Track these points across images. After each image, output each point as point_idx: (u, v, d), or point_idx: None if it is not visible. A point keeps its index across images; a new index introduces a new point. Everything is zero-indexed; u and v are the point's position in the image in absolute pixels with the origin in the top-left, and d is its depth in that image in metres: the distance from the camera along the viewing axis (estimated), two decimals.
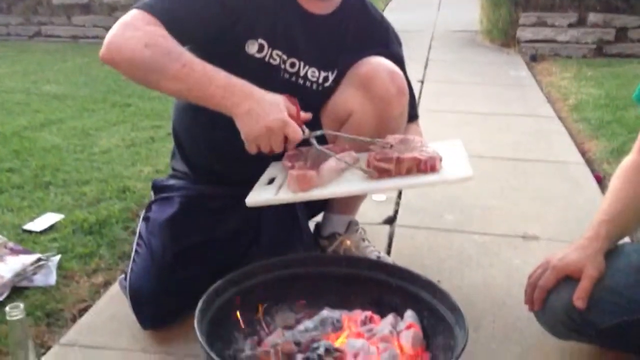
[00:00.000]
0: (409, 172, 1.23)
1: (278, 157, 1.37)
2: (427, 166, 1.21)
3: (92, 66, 4.53)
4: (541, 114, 3.38)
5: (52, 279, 1.73)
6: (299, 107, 1.28)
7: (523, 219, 2.12)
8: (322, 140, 1.39)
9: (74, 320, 1.59)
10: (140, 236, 1.54)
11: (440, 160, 1.25)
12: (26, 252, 1.83)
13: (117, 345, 1.47)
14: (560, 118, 3.30)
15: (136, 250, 1.52)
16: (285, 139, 1.25)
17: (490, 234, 2.01)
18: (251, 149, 1.26)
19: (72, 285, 1.74)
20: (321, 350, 1.00)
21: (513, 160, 2.68)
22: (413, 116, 1.61)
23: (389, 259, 1.74)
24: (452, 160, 1.28)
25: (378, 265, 1.18)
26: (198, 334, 0.97)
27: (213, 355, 0.89)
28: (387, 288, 1.15)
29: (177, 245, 1.48)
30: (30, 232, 2.00)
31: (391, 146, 1.28)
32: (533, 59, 4.81)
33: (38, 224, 2.04)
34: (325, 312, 1.12)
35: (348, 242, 1.75)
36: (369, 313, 1.13)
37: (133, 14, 1.27)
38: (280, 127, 1.22)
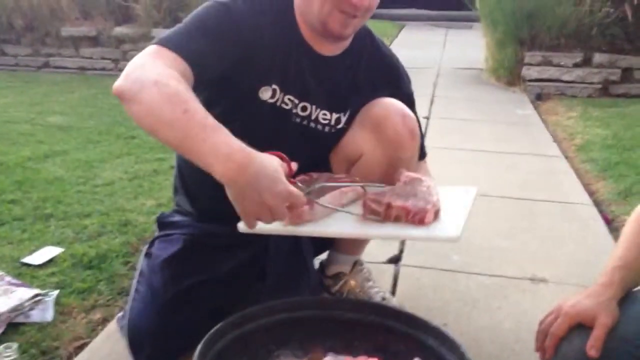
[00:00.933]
0: (397, 219, 1.22)
1: None
2: (415, 219, 1.19)
3: (98, 97, 4.55)
4: (548, 153, 3.36)
5: (50, 315, 1.69)
6: (289, 162, 1.17)
7: (531, 260, 2.07)
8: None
9: (69, 358, 1.55)
10: (141, 273, 1.51)
11: (437, 212, 1.22)
12: (24, 286, 1.80)
13: None
14: (567, 158, 3.28)
15: (137, 288, 1.48)
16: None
17: (498, 276, 1.97)
18: (250, 224, 1.11)
19: (70, 322, 1.70)
20: None
21: (521, 199, 2.65)
22: (421, 155, 1.59)
23: (394, 301, 1.70)
24: (451, 212, 1.25)
25: (384, 310, 1.14)
26: None
27: None
28: (393, 334, 1.11)
29: (179, 283, 1.44)
30: (28, 265, 1.97)
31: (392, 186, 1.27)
32: (538, 98, 4.81)
33: (37, 258, 2.01)
34: (329, 358, 1.08)
35: (352, 283, 1.71)
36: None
37: (153, 49, 1.19)
38: (284, 199, 1.08)
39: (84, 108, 4.26)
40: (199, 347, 1.01)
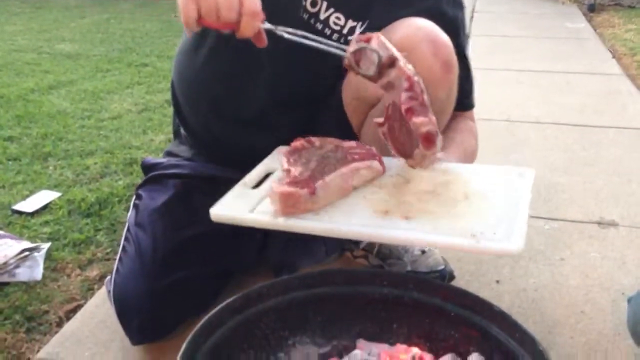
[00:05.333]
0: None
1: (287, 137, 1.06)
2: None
3: (110, 23, 4.25)
4: (607, 71, 2.97)
5: (38, 273, 1.47)
6: None
7: (597, 200, 1.77)
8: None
9: (59, 324, 1.33)
10: (128, 229, 1.26)
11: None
12: (12, 238, 1.58)
13: None
14: (629, 76, 2.89)
15: (123, 248, 1.24)
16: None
17: (559, 220, 1.67)
18: (188, 10, 0.88)
19: (62, 280, 1.48)
20: None
21: (579, 126, 2.31)
22: (467, 105, 1.27)
23: (437, 254, 1.43)
24: (504, 211, 0.89)
25: (431, 285, 0.87)
26: None
27: None
28: (442, 317, 0.85)
29: (171, 240, 1.19)
30: (20, 213, 1.75)
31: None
32: (591, 9, 4.35)
33: (30, 204, 1.79)
34: (359, 352, 0.83)
35: None
36: (417, 351, 0.83)
37: None
38: None
39: (95, 34, 3.98)
40: (187, 341, 0.76)
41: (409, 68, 0.93)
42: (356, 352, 0.83)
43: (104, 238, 1.64)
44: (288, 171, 0.91)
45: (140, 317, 1.16)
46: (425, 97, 0.92)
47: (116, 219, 1.72)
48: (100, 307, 1.36)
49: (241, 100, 1.15)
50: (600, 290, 1.38)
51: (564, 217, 1.68)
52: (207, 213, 1.26)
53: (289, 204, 0.87)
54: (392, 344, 0.88)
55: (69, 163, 2.07)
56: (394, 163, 1.02)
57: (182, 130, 1.43)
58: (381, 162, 1.00)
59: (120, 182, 1.92)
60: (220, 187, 1.29)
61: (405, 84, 0.91)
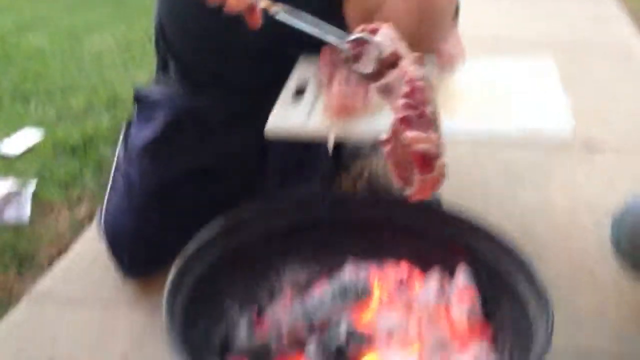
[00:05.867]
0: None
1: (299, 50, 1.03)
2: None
3: None
4: None
5: (26, 214, 1.47)
6: None
7: (584, 122, 1.76)
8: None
9: (50, 263, 1.34)
10: (116, 164, 1.25)
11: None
12: None
13: (98, 298, 1.21)
14: None
15: (112, 184, 1.23)
16: None
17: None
18: None
19: (50, 220, 1.48)
20: (341, 336, 0.73)
21: (568, 49, 2.27)
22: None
23: None
24: (540, 97, 0.92)
25: (418, 207, 0.88)
26: (165, 316, 0.69)
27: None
28: (429, 237, 0.85)
29: (161, 175, 1.18)
30: (3, 156, 1.72)
31: None
32: None
33: (13, 143, 1.77)
34: (347, 275, 0.84)
35: (375, 164, 1.43)
36: (406, 268, 0.84)
37: None
38: None
39: None
40: (173, 270, 0.76)
41: (412, 70, 0.77)
42: (344, 272, 0.84)
43: (91, 177, 1.63)
44: (331, 80, 0.89)
45: (131, 251, 1.17)
46: (430, 109, 0.75)
47: (102, 158, 1.70)
48: (91, 245, 1.36)
49: (234, 27, 1.11)
50: (587, 212, 1.39)
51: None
52: (199, 148, 1.25)
53: (344, 112, 0.87)
54: (380, 262, 0.88)
55: (50, 100, 2.03)
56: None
57: (171, 65, 1.38)
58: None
59: (105, 119, 1.89)
60: (213, 122, 1.28)
61: (405, 89, 0.74)
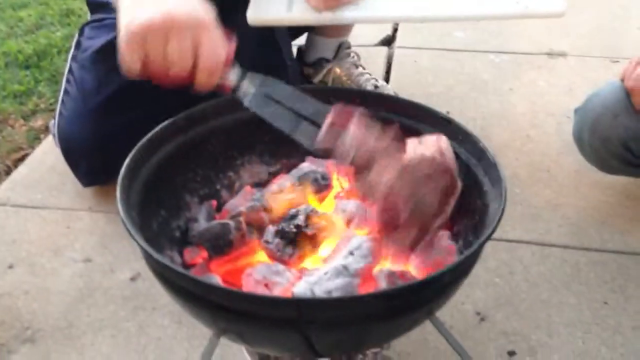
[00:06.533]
0: None
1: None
2: None
3: None
4: None
5: None
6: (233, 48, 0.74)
7: (547, 32, 1.76)
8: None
9: (8, 172, 1.31)
10: (70, 70, 1.20)
11: None
12: None
13: (58, 203, 1.20)
14: None
15: (65, 89, 1.19)
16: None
17: (509, 52, 1.67)
18: (129, 57, 0.69)
19: (6, 131, 1.44)
20: (300, 219, 0.73)
21: None
22: None
23: (389, 88, 1.43)
24: None
25: (376, 98, 0.87)
26: (119, 204, 0.68)
27: (141, 242, 0.61)
28: (389, 127, 0.85)
29: (116, 81, 1.14)
30: None
31: None
32: None
33: None
34: (307, 164, 0.84)
35: (338, 70, 1.42)
36: None
37: None
38: (193, 25, 0.66)
39: None
40: (128, 158, 0.75)
41: (387, 180, 0.67)
42: (303, 165, 0.83)
43: (46, 89, 1.58)
44: None
45: (88, 159, 1.14)
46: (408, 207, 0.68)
47: (57, 70, 1.65)
48: (48, 153, 1.34)
49: None
50: (546, 115, 1.41)
51: (514, 49, 1.68)
52: None
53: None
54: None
55: (1, 16, 1.94)
56: None
57: None
58: None
59: (59, 34, 1.82)
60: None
61: (383, 190, 0.67)
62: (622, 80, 1.03)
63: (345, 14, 0.88)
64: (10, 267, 1.06)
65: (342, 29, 1.43)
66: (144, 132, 1.07)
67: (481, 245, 0.62)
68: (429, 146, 0.70)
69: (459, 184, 0.72)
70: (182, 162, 0.83)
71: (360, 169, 0.69)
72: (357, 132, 0.70)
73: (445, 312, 0.94)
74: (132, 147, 1.11)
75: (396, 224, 0.68)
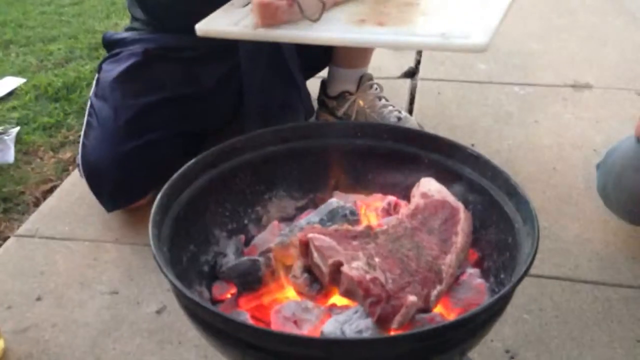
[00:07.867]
0: None
1: None
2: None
3: None
4: None
5: (10, 156, 1.46)
6: None
7: (572, 64, 1.76)
8: None
9: (37, 204, 1.33)
10: (90, 103, 1.24)
11: None
12: None
13: (85, 235, 1.21)
14: None
15: (87, 122, 1.23)
16: None
17: (533, 85, 1.67)
18: None
19: (35, 163, 1.47)
20: None
21: None
22: None
23: (413, 120, 1.43)
24: (475, 13, 0.94)
25: (403, 133, 0.87)
26: (152, 240, 0.68)
27: (173, 279, 0.61)
28: (415, 164, 0.85)
29: (131, 106, 1.18)
30: None
31: None
32: None
33: None
34: (335, 200, 0.84)
35: (361, 102, 1.43)
36: (392, 198, 0.85)
37: None
38: None
39: None
40: (160, 194, 0.76)
41: (356, 269, 0.67)
42: (332, 200, 0.83)
43: (75, 121, 1.61)
44: None
45: (110, 183, 1.17)
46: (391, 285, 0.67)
47: (85, 103, 1.66)
48: (76, 185, 1.35)
49: None
50: (573, 148, 1.40)
51: (539, 82, 1.68)
52: (170, 79, 1.24)
53: (267, 15, 0.90)
54: (368, 194, 0.88)
55: (31, 49, 2.00)
56: None
57: (139, 11, 1.36)
58: None
59: (87, 67, 1.86)
60: (182, 56, 1.27)
61: (360, 292, 0.66)
62: (638, 137, 1.03)
63: (277, 32, 0.93)
64: (39, 299, 1.06)
65: (360, 59, 1.44)
66: (161, 153, 1.10)
67: (515, 285, 0.61)
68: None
69: (461, 207, 0.77)
70: (212, 197, 0.83)
71: (332, 277, 0.70)
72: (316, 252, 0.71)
73: (474, 350, 0.92)
74: (150, 168, 1.13)
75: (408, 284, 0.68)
